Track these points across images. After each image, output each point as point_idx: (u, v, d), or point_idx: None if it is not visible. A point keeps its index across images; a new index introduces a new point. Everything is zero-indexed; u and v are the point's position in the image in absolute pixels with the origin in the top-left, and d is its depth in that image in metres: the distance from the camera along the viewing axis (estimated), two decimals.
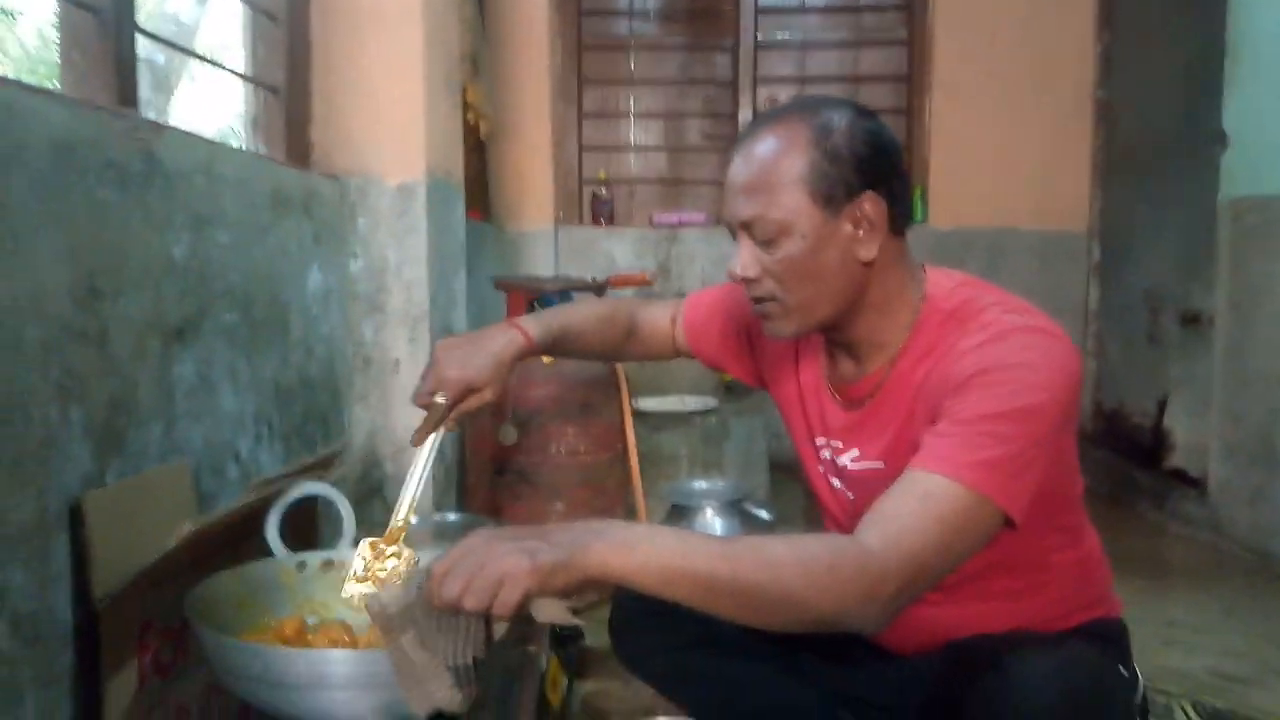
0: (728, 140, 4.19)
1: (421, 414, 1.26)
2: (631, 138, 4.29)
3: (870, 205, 1.12)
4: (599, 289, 2.41)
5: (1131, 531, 2.99)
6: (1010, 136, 3.89)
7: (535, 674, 1.45)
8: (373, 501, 2.11)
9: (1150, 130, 3.59)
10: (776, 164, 1.12)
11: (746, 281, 1.17)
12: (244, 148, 1.95)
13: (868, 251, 1.14)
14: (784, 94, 4.21)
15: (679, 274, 4.02)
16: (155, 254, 1.35)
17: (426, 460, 1.25)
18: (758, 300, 1.19)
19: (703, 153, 4.27)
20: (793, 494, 3.46)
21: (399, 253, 2.10)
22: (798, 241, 1.12)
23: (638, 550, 0.93)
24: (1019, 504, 1.02)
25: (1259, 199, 2.72)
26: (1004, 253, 3.83)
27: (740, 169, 1.15)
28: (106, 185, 1.22)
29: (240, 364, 1.60)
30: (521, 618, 0.94)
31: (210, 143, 1.52)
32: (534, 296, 2.28)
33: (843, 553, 0.97)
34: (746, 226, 1.15)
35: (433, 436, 1.26)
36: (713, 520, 2.35)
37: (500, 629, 1.00)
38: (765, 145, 1.13)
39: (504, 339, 1.30)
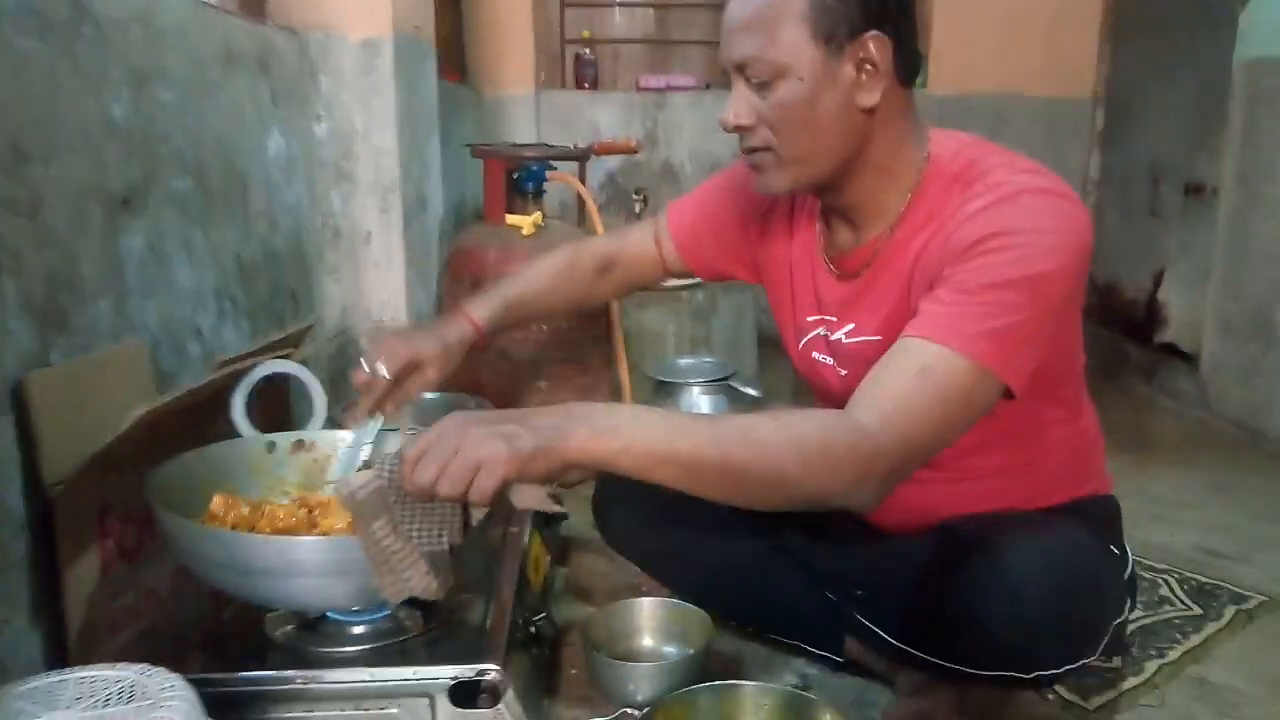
0: None
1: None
2: None
3: (875, 45, 1.04)
4: (582, 157, 2.28)
5: (1119, 405, 2.97)
6: None
7: (516, 553, 1.41)
8: (346, 380, 2.04)
9: None
10: None
11: (740, 130, 1.11)
12: None
13: (869, 97, 1.06)
14: None
15: (667, 142, 3.86)
16: (91, 113, 1.23)
17: (364, 444, 1.19)
18: (750, 151, 1.12)
19: (692, 10, 4.03)
20: (782, 370, 3.43)
21: (366, 116, 1.96)
22: (795, 84, 1.05)
23: (621, 433, 0.88)
24: (1021, 376, 0.98)
25: (1278, 60, 2.57)
26: (1006, 120, 3.67)
27: (737, 5, 1.07)
28: (25, 34, 1.09)
29: (196, 236, 1.50)
30: (499, 505, 0.90)
31: None
32: (514, 166, 2.15)
33: (834, 431, 0.93)
34: (741, 68, 1.08)
35: (373, 420, 1.20)
36: (699, 398, 2.30)
37: (478, 515, 0.96)
38: None
39: (450, 326, 1.28)
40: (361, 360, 1.21)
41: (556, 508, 0.95)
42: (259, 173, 1.72)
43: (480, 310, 1.33)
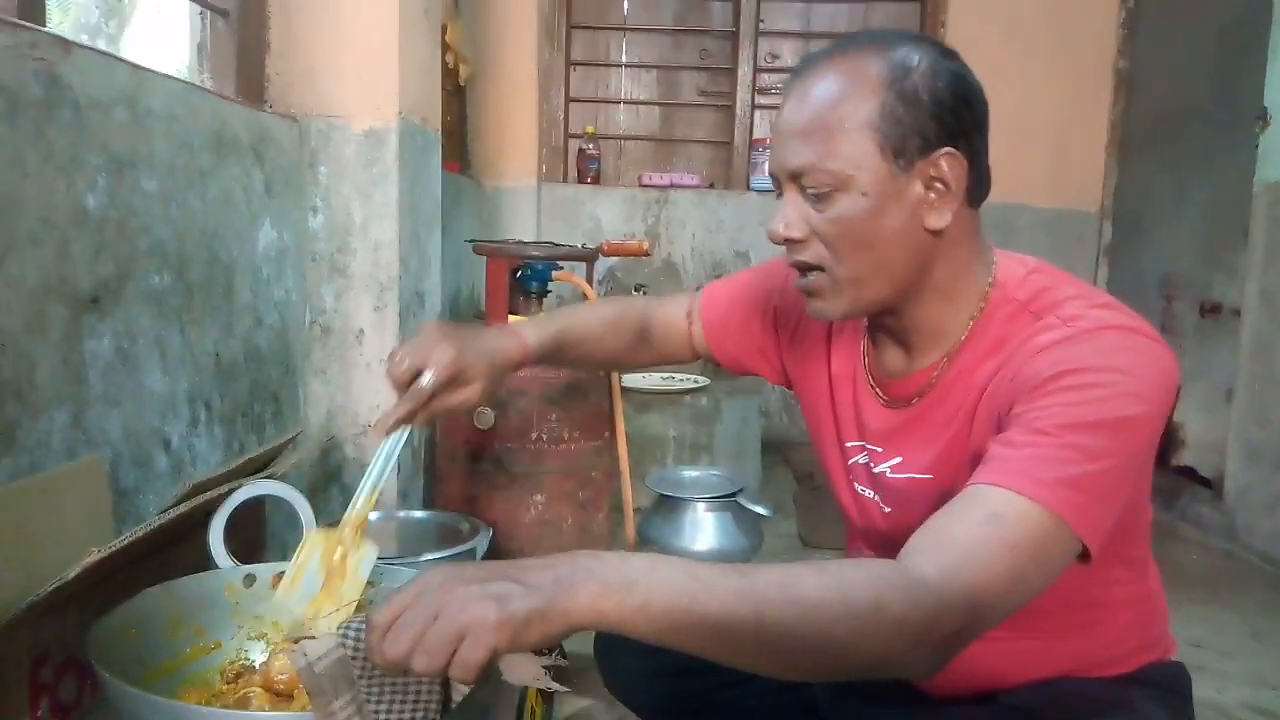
0: (725, 97, 3.93)
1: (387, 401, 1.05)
2: (622, 90, 4.01)
3: (948, 163, 0.94)
4: (590, 257, 2.17)
5: None
6: (1025, 105, 3.67)
7: (510, 707, 1.24)
8: (330, 489, 1.88)
9: (1173, 104, 3.39)
10: (839, 105, 0.93)
11: (790, 244, 0.99)
12: (188, 80, 1.68)
13: (939, 219, 0.95)
14: (787, 49, 3.95)
15: (669, 239, 3.78)
16: (60, 202, 1.10)
17: (392, 453, 1.05)
18: (801, 270, 1.00)
19: (698, 109, 4.00)
20: (784, 480, 3.29)
21: (366, 208, 1.84)
22: (857, 199, 0.94)
23: (637, 589, 0.72)
24: (1099, 533, 0.85)
25: None
26: (1013, 230, 3.63)
27: (794, 110, 0.96)
28: None
29: (171, 335, 1.35)
30: (486, 679, 0.75)
31: (135, 68, 1.25)
32: (517, 265, 2.03)
33: (890, 585, 0.78)
34: (796, 177, 0.96)
35: (402, 429, 1.05)
36: (704, 516, 2.14)
37: (460, 692, 0.81)
38: (827, 83, 0.94)
39: (499, 340, 1.14)
40: (401, 354, 1.04)
41: (556, 685, 0.79)
42: (246, 266, 1.58)
43: (533, 333, 1.19)
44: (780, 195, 1.00)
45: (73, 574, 0.92)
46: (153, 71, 1.30)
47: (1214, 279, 3.03)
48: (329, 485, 1.88)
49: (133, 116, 1.24)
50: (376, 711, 0.78)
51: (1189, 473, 3.05)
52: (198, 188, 1.42)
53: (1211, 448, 2.93)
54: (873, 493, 1.12)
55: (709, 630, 0.73)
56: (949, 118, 0.93)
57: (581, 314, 1.30)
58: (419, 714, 0.80)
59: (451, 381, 1.07)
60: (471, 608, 0.68)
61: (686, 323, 1.32)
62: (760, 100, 3.91)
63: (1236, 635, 2.10)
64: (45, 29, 1.14)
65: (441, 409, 1.08)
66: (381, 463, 1.04)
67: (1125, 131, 3.70)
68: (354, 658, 0.78)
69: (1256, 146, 2.67)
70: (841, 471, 1.17)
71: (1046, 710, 1.00)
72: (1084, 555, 0.85)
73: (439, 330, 1.09)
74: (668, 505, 2.20)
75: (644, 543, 2.14)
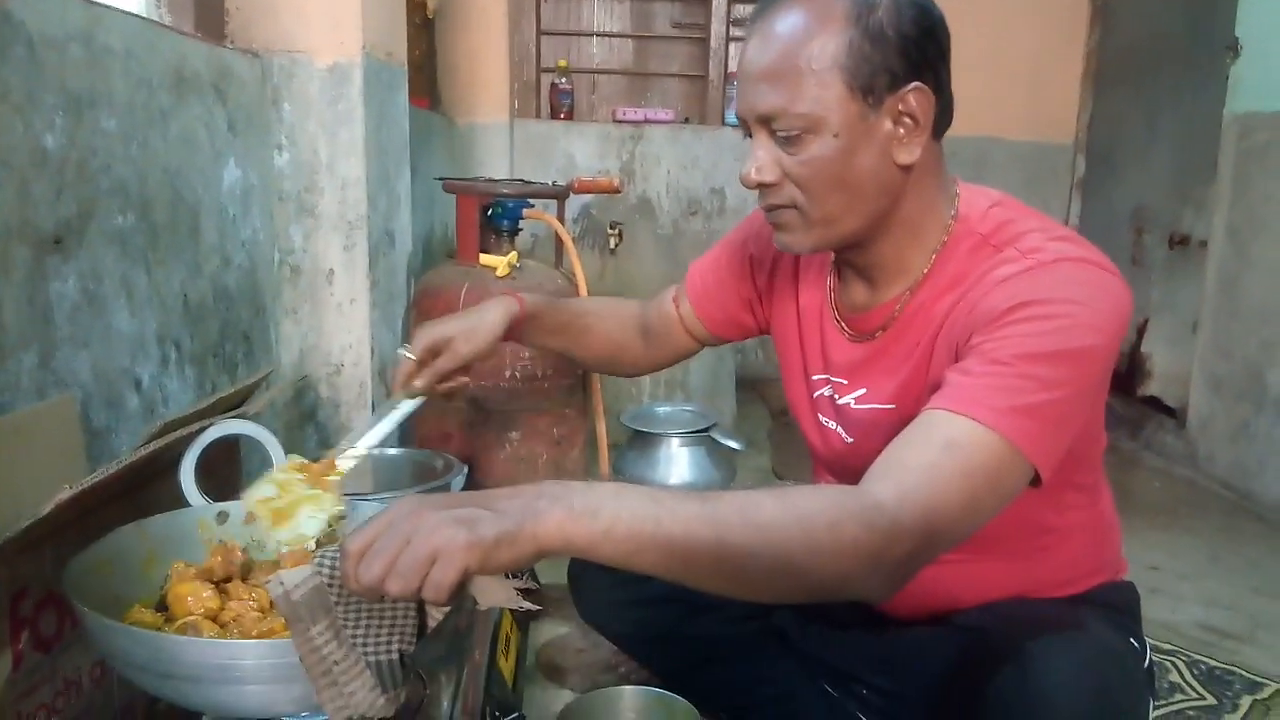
0: (699, 29, 3.88)
1: None
2: (594, 23, 3.94)
3: (916, 98, 0.94)
4: (561, 194, 2.17)
5: (1107, 461, 2.88)
6: (1001, 39, 3.64)
7: (486, 636, 1.27)
8: (305, 428, 1.89)
9: (1147, 37, 3.38)
10: (805, 45, 0.92)
11: (762, 187, 0.99)
12: (145, 15, 1.64)
13: (909, 154, 0.96)
14: None
15: (644, 175, 3.76)
16: (17, 143, 1.09)
17: (385, 418, 1.16)
18: (772, 209, 1.01)
19: (672, 42, 3.95)
20: (759, 415, 3.33)
21: (331, 146, 1.82)
22: (829, 140, 0.94)
23: (602, 514, 0.75)
24: (1051, 460, 0.89)
25: (1270, 115, 2.53)
26: (988, 165, 3.62)
27: (759, 52, 0.95)
28: None
29: (138, 276, 1.35)
30: (460, 603, 0.78)
31: (89, 4, 1.23)
32: (488, 202, 2.02)
33: (846, 508, 0.81)
34: (765, 121, 0.96)
35: (400, 399, 1.19)
36: (678, 451, 2.18)
37: (435, 616, 0.84)
38: (791, 22, 0.93)
39: (491, 302, 1.27)
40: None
41: (527, 604, 0.82)
42: (212, 206, 1.57)
43: (530, 295, 1.31)
44: (749, 136, 1.00)
45: (45, 510, 0.94)
46: (108, 7, 1.28)
47: (1183, 212, 3.05)
48: (304, 424, 1.89)
49: (89, 54, 1.22)
50: (354, 636, 0.81)
51: (1154, 403, 3.11)
52: (159, 126, 1.40)
53: (1176, 379, 2.99)
54: (836, 424, 1.15)
55: (671, 553, 0.76)
56: (915, 53, 0.93)
57: (585, 298, 1.39)
58: (395, 638, 0.83)
59: (435, 349, 1.21)
60: (442, 531, 0.70)
61: (674, 308, 1.33)
62: (735, 32, 3.86)
63: (1194, 558, 2.17)
64: None
65: (436, 372, 1.21)
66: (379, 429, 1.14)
67: (1100, 64, 3.69)
68: (330, 585, 0.80)
69: (1227, 78, 2.67)
70: (806, 403, 1.20)
71: (998, 629, 1.04)
72: (1035, 480, 0.89)
73: (431, 320, 1.25)
74: (642, 441, 2.23)
75: (618, 478, 2.18)
